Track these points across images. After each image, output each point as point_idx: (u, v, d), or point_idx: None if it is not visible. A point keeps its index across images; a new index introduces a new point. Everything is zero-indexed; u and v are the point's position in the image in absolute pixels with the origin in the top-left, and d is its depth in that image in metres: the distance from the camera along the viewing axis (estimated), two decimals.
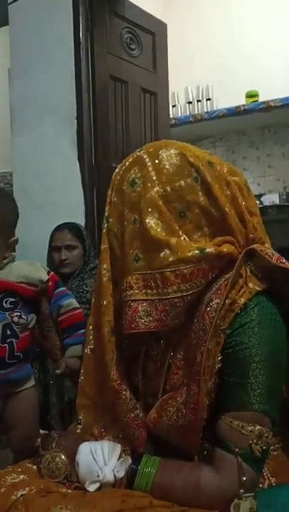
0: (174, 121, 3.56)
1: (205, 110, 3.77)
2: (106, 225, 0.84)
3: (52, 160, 2.35)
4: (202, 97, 3.90)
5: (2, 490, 0.76)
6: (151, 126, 2.84)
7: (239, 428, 0.72)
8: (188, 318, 0.78)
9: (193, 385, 0.74)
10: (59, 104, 2.32)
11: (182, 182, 0.77)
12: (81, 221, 2.22)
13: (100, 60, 2.44)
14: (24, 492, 0.75)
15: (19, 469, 0.83)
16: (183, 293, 0.73)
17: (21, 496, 0.74)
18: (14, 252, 1.08)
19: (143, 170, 0.78)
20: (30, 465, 0.85)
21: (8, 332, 1.01)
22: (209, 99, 3.88)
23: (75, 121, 2.29)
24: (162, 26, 2.99)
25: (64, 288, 1.10)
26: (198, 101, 3.94)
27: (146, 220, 0.75)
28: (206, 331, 0.74)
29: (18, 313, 1.02)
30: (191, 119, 3.62)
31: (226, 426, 0.74)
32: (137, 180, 0.78)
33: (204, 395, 0.74)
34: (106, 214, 0.84)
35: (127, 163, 0.81)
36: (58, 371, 1.03)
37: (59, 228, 1.95)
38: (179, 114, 3.86)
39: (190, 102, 3.94)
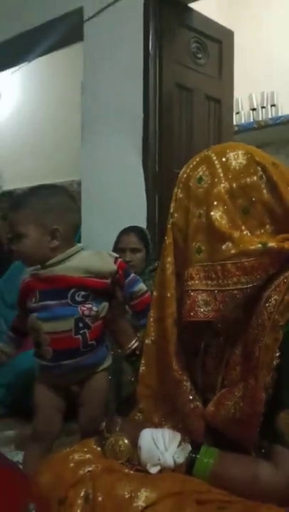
0: (237, 128, 3.56)
1: (269, 116, 3.72)
2: (171, 220, 0.88)
3: (118, 167, 2.46)
4: (266, 104, 3.86)
5: (71, 465, 0.82)
6: (214, 132, 2.87)
7: None
8: (246, 315, 0.80)
9: (251, 380, 0.76)
10: (126, 113, 2.42)
11: (248, 179, 0.79)
12: (143, 226, 2.29)
13: (167, 69, 2.51)
14: (90, 468, 0.80)
15: (85, 449, 0.89)
16: (243, 285, 0.75)
17: (88, 471, 0.79)
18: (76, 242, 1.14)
19: (210, 168, 0.81)
20: (94, 446, 0.90)
21: (81, 324, 1.08)
22: (274, 106, 3.82)
23: (142, 129, 2.37)
24: (229, 34, 3.01)
25: (132, 274, 1.17)
26: (262, 107, 3.89)
27: (212, 213, 0.78)
28: (264, 326, 0.75)
29: (90, 306, 1.08)
30: (254, 126, 3.59)
31: (284, 422, 0.74)
32: (204, 177, 0.81)
33: (262, 389, 0.74)
34: (171, 210, 0.88)
35: (195, 162, 0.85)
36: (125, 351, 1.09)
37: (126, 231, 2.03)
38: (243, 121, 3.84)
39: (254, 109, 3.91)
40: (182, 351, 0.87)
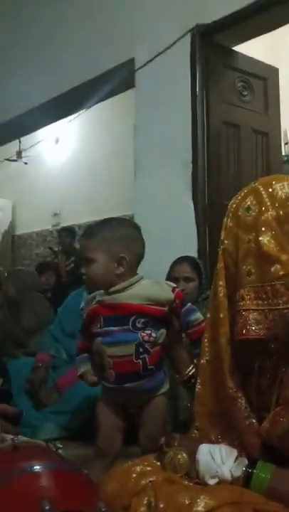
0: (286, 158, 3.60)
1: None
2: (222, 246, 0.95)
3: (169, 201, 2.59)
4: None
5: (133, 475, 0.88)
6: (263, 164, 2.94)
7: None
8: None
9: None
10: (177, 150, 2.57)
11: None
12: (194, 256, 2.37)
13: (214, 108, 2.66)
14: (152, 479, 0.85)
15: (145, 462, 0.94)
16: None
17: (150, 481, 0.85)
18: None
19: (258, 197, 0.88)
20: (154, 461, 0.96)
21: (141, 349, 1.15)
22: None
23: (191, 165, 2.50)
24: (274, 71, 3.13)
25: (189, 304, 1.22)
26: None
27: (260, 238, 0.84)
28: None
29: (149, 332, 1.15)
30: None
31: None
32: (252, 207, 0.89)
33: None
34: (222, 238, 0.96)
35: (243, 194, 0.93)
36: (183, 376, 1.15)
37: (179, 261, 2.11)
38: None
39: None
40: (236, 370, 0.92)
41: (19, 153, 6.05)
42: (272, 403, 0.88)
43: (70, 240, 4.65)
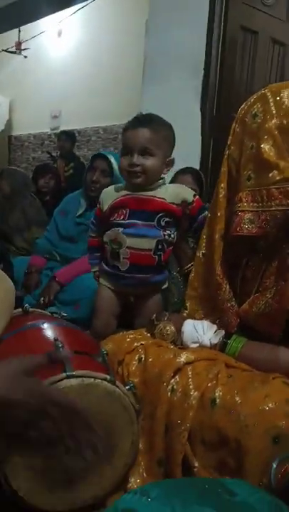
0: None
1: None
2: (227, 151, 1.03)
3: (176, 109, 2.54)
4: None
5: (128, 339, 1.06)
6: (276, 77, 2.85)
7: None
8: (284, 235, 0.95)
9: (280, 281, 0.93)
10: (189, 55, 2.47)
11: None
12: (196, 167, 2.41)
13: (233, 10, 2.51)
14: (143, 342, 1.03)
15: (137, 333, 1.12)
16: (284, 207, 0.91)
17: (141, 344, 1.03)
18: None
19: (265, 105, 0.94)
20: (145, 332, 1.13)
21: (160, 246, 1.25)
22: None
23: (202, 71, 2.43)
24: None
25: (206, 213, 1.26)
26: None
27: (262, 145, 0.92)
28: None
29: (169, 232, 1.25)
30: None
31: None
32: (258, 114, 0.95)
33: None
34: (228, 143, 1.03)
35: (252, 99, 0.98)
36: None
37: (182, 171, 2.13)
38: None
39: None
40: (225, 262, 1.06)
41: (18, 45, 5.64)
42: (253, 291, 1.03)
43: (69, 145, 4.54)
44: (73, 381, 0.72)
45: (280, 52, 2.90)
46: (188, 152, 2.48)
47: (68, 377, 0.71)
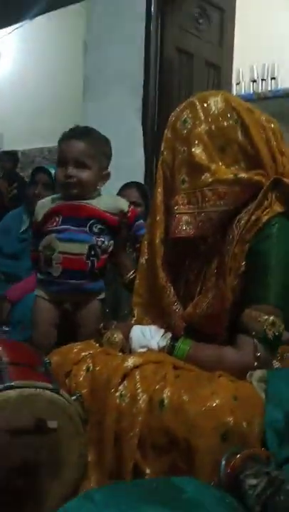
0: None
1: (269, 89, 3.82)
2: (161, 157, 1.06)
3: (118, 126, 2.59)
4: (267, 76, 3.95)
5: (74, 350, 1.03)
6: None
7: (257, 316, 0.92)
8: (222, 237, 0.99)
9: (220, 282, 0.96)
10: (128, 74, 2.54)
11: (225, 123, 0.97)
12: (142, 182, 2.45)
13: (168, 33, 2.62)
14: (91, 352, 1.01)
15: (85, 343, 1.10)
16: (218, 208, 0.94)
17: (89, 353, 1.00)
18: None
19: (193, 111, 0.98)
20: (93, 343, 1.11)
21: (92, 252, 1.26)
22: (274, 79, 3.91)
23: (142, 89, 2.50)
24: (232, 2, 3.09)
25: (141, 220, 1.34)
26: (262, 80, 3.98)
27: (193, 149, 0.96)
28: (233, 239, 0.95)
29: (102, 239, 1.27)
30: (254, 97, 3.69)
31: (246, 316, 0.94)
32: (188, 120, 0.99)
33: (229, 290, 0.94)
34: (161, 149, 1.06)
35: (181, 107, 1.02)
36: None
37: (128, 185, 2.18)
38: (243, 92, 3.94)
39: (254, 81, 4.00)
40: (167, 266, 1.07)
41: None
42: (196, 293, 1.05)
43: (11, 165, 4.50)
44: (12, 392, 0.69)
45: (215, 74, 3.05)
46: (132, 167, 2.52)
47: (6, 388, 0.68)
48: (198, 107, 0.98)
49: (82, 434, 0.78)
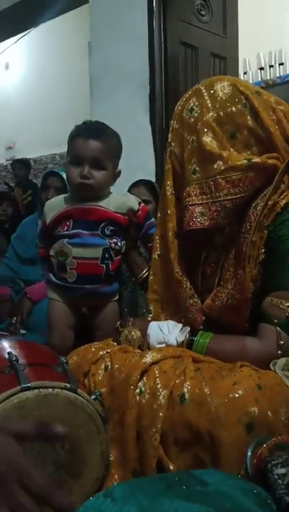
0: None
1: (277, 75, 3.75)
2: (169, 149, 1.03)
3: (126, 125, 2.58)
4: (275, 62, 3.88)
5: (93, 349, 1.02)
6: None
7: (278, 304, 0.89)
8: (239, 226, 0.96)
9: (240, 271, 0.93)
10: (133, 71, 2.53)
11: (233, 108, 0.94)
12: (152, 179, 2.44)
13: (171, 27, 2.60)
14: (109, 350, 0.99)
15: (103, 343, 1.08)
16: (232, 196, 0.91)
17: (107, 352, 0.99)
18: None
19: (200, 99, 0.96)
20: (111, 342, 1.10)
21: (106, 255, 1.23)
22: (282, 64, 3.84)
23: (148, 86, 2.48)
24: None
25: (153, 219, 1.29)
26: (270, 66, 3.92)
27: (203, 138, 0.93)
28: (251, 227, 0.91)
29: (115, 240, 1.24)
30: (262, 85, 3.63)
31: (267, 303, 0.91)
32: (194, 108, 0.96)
33: (249, 279, 0.91)
34: (169, 140, 1.03)
35: (187, 95, 0.99)
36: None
37: (136, 184, 2.18)
38: (251, 81, 3.88)
39: (262, 68, 3.94)
40: (182, 259, 1.05)
41: None
42: (215, 285, 1.02)
43: (24, 173, 4.55)
44: (29, 393, 0.67)
45: (221, 65, 3.01)
46: (142, 165, 2.50)
47: (23, 389, 0.67)
48: (205, 93, 0.95)
49: (103, 432, 0.76)
